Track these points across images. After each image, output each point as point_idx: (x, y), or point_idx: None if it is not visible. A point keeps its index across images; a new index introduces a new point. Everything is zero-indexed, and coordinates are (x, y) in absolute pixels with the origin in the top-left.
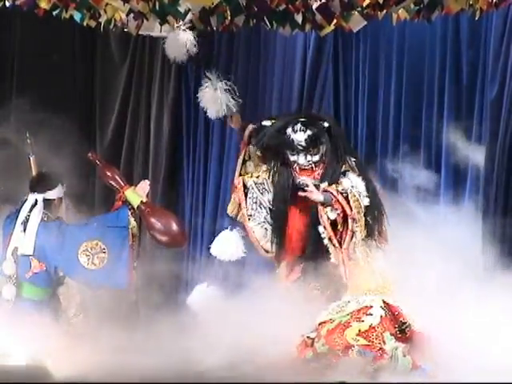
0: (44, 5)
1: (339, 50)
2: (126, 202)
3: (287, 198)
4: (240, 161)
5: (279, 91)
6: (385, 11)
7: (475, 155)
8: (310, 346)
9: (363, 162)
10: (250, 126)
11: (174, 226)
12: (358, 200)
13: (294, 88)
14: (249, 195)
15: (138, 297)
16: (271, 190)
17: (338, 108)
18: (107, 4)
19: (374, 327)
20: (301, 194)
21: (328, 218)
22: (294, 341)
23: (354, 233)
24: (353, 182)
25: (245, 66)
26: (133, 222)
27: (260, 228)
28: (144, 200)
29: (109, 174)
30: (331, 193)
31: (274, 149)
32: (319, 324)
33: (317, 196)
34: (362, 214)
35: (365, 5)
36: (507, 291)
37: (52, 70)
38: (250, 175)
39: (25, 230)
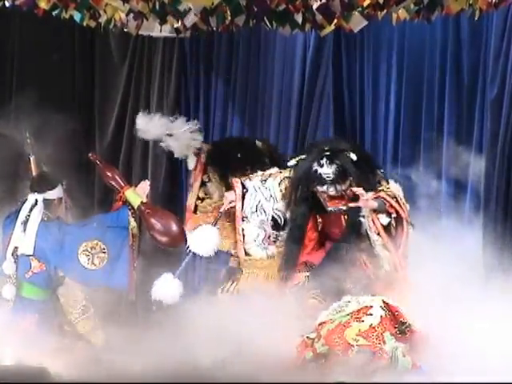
0: (44, 5)
1: (339, 50)
2: (126, 203)
3: (305, 226)
4: (197, 184)
5: (279, 91)
6: (385, 11)
7: (476, 156)
8: (309, 346)
9: None
10: (205, 147)
11: (174, 227)
12: (405, 204)
13: (293, 88)
14: (247, 196)
15: (137, 297)
16: (278, 200)
17: (338, 108)
18: (107, 4)
19: (374, 327)
20: (352, 204)
21: (382, 225)
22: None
23: (408, 234)
24: (394, 188)
25: (245, 66)
26: (133, 223)
27: (254, 231)
28: (144, 200)
29: (109, 174)
30: (383, 198)
31: (295, 183)
32: (319, 324)
33: (372, 203)
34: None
35: (365, 5)
36: (507, 293)
37: (52, 70)
38: (248, 178)
39: (25, 230)
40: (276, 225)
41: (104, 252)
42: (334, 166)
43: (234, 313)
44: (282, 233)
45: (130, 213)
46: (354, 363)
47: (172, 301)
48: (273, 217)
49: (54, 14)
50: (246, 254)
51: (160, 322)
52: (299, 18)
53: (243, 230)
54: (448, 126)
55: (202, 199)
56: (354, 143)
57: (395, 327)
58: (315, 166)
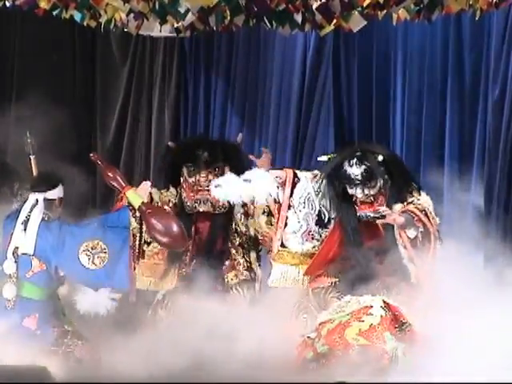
0: (44, 5)
1: (339, 50)
2: (127, 203)
3: (356, 229)
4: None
5: (279, 91)
6: (385, 11)
7: (478, 156)
8: (310, 346)
9: None
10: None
11: (175, 228)
12: (434, 218)
13: (293, 88)
14: (299, 186)
15: (137, 298)
16: (327, 197)
17: (338, 108)
18: (107, 4)
19: (374, 327)
20: (381, 221)
21: (408, 238)
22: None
23: (435, 250)
24: (425, 201)
25: (245, 66)
26: (133, 223)
27: (297, 222)
28: (145, 201)
29: (110, 174)
30: (412, 211)
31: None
32: (319, 324)
33: (399, 219)
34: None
35: (365, 5)
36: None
37: (52, 70)
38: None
39: (25, 230)
40: (320, 221)
41: (105, 252)
42: (363, 167)
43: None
44: (322, 230)
45: (130, 213)
46: (354, 363)
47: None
48: (319, 212)
49: (54, 13)
50: (282, 245)
51: (160, 321)
52: (299, 18)
53: (287, 218)
54: (450, 127)
55: (149, 243)
56: (392, 152)
57: (395, 327)
58: (345, 166)
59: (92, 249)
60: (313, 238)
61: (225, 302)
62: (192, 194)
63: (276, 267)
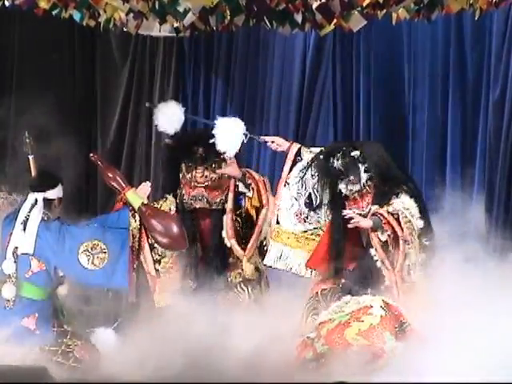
0: (43, 4)
1: (339, 50)
2: (127, 204)
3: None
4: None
5: (279, 91)
6: (385, 11)
7: (481, 155)
8: (310, 346)
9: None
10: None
11: (175, 228)
12: (410, 221)
13: (293, 88)
14: (298, 165)
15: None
16: (324, 183)
17: (338, 108)
18: (107, 3)
19: (373, 327)
20: (350, 226)
21: (379, 240)
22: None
23: (406, 255)
24: (405, 204)
25: (244, 66)
26: (133, 224)
27: (289, 199)
28: (145, 202)
29: (110, 175)
30: (381, 214)
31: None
32: (319, 324)
33: (365, 223)
34: (416, 236)
35: (365, 4)
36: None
37: (52, 70)
38: (309, 150)
39: (25, 230)
40: (310, 204)
41: (104, 252)
42: (341, 162)
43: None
44: (314, 214)
45: (130, 214)
46: (353, 363)
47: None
48: (310, 194)
49: (53, 13)
50: (277, 221)
51: (160, 321)
52: (299, 18)
53: (281, 194)
54: (452, 126)
55: (159, 261)
56: (379, 153)
57: (395, 327)
58: (331, 160)
59: (92, 249)
60: (305, 221)
61: (228, 302)
62: (189, 191)
63: (273, 246)
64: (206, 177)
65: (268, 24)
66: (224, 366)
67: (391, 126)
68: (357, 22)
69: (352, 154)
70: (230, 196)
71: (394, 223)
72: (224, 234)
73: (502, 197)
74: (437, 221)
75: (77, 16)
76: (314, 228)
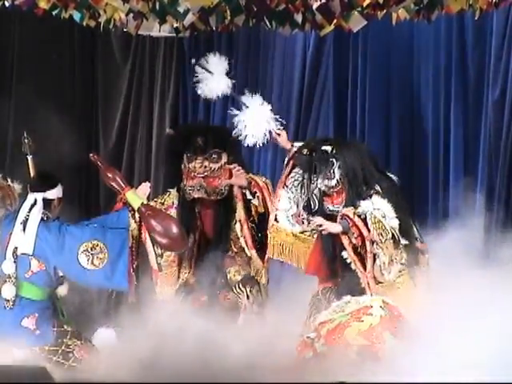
0: (43, 4)
1: (339, 50)
2: (127, 204)
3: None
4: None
5: (279, 91)
6: (385, 11)
7: (484, 154)
8: (309, 346)
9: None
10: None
11: (175, 229)
12: (380, 221)
13: (293, 88)
14: (297, 168)
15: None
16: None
17: (338, 107)
18: (107, 4)
19: (373, 327)
20: (323, 233)
21: (350, 242)
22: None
23: (375, 255)
24: (375, 204)
25: (245, 66)
26: (133, 224)
27: (287, 202)
28: (145, 202)
29: (110, 175)
30: (347, 216)
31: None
32: (319, 324)
33: (335, 229)
34: (389, 236)
35: (365, 4)
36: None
37: (52, 71)
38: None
39: (24, 230)
40: (308, 207)
41: (104, 253)
42: (314, 156)
43: None
44: (310, 217)
45: (130, 214)
46: (354, 363)
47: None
48: (308, 199)
49: (53, 13)
50: (275, 219)
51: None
52: (299, 18)
53: (280, 196)
54: (455, 126)
55: (161, 255)
56: (358, 154)
57: (395, 327)
58: (310, 155)
59: (91, 249)
60: (303, 223)
61: (228, 302)
62: (190, 181)
63: (272, 239)
64: (206, 167)
65: (268, 24)
66: (223, 367)
67: (391, 126)
68: (357, 23)
69: (323, 148)
70: (240, 205)
71: (360, 224)
72: (243, 243)
73: (502, 196)
74: (437, 221)
75: (77, 16)
76: (312, 230)
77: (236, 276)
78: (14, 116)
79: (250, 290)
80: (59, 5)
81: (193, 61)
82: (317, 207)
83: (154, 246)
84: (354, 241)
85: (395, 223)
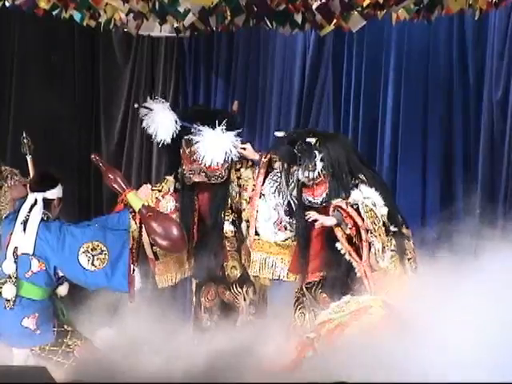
0: (43, 5)
1: (339, 50)
2: (128, 205)
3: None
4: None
5: (279, 91)
6: (384, 11)
7: (484, 155)
8: (309, 346)
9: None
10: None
11: (175, 231)
12: (372, 210)
13: (293, 88)
14: (271, 175)
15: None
16: (298, 186)
17: (338, 108)
18: (107, 4)
19: (373, 327)
20: (317, 226)
21: (344, 234)
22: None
23: (370, 243)
24: (364, 193)
25: (245, 66)
26: (133, 226)
27: (267, 211)
28: (145, 204)
29: (111, 176)
30: (340, 207)
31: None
32: (319, 324)
33: (329, 221)
34: (381, 224)
35: (365, 5)
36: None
37: (52, 70)
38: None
39: (25, 230)
40: (290, 211)
41: (104, 254)
42: (297, 148)
43: None
44: (294, 221)
45: (130, 216)
46: (354, 363)
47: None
48: (289, 202)
49: (54, 13)
50: (256, 233)
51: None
52: (299, 18)
53: (258, 206)
54: (455, 126)
55: None
56: (339, 143)
57: (395, 327)
58: (292, 146)
59: (92, 250)
60: (286, 228)
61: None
62: (189, 165)
63: (255, 255)
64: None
65: (268, 24)
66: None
67: (391, 126)
68: (356, 23)
69: (307, 139)
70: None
71: (354, 214)
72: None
73: (502, 196)
74: (438, 220)
75: (77, 16)
76: (295, 235)
77: (233, 271)
78: (14, 116)
79: (247, 291)
80: (59, 5)
81: (135, 105)
82: (297, 206)
83: (148, 236)
84: (347, 231)
85: (385, 211)
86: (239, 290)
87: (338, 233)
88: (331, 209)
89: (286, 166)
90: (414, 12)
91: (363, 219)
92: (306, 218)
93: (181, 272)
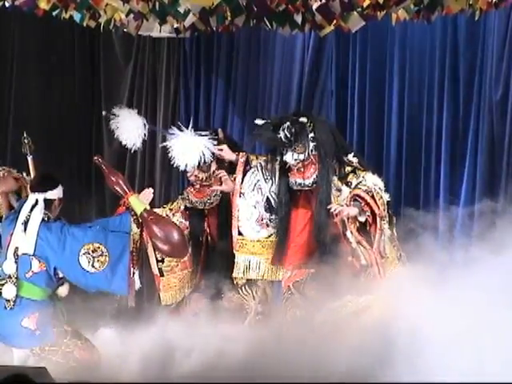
0: (43, 5)
1: (339, 50)
2: (129, 208)
3: (288, 201)
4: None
5: (279, 91)
6: (384, 11)
7: (482, 155)
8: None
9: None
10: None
11: (176, 236)
12: (382, 197)
13: (293, 88)
14: (249, 173)
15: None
16: (276, 181)
17: (338, 108)
18: (107, 4)
19: (373, 327)
20: (336, 220)
21: (353, 222)
22: None
23: (382, 231)
24: (372, 180)
25: (245, 66)
26: (134, 229)
27: (247, 209)
28: (147, 207)
29: (113, 179)
30: (359, 196)
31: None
32: (319, 324)
33: (353, 211)
34: (387, 210)
35: (365, 5)
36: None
37: (52, 71)
38: (255, 157)
39: (25, 230)
40: (270, 207)
41: (105, 256)
42: (287, 129)
43: None
44: (273, 217)
45: (132, 219)
46: (354, 362)
47: None
48: (267, 198)
49: (54, 14)
50: (239, 233)
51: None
52: (299, 19)
53: (238, 205)
54: (451, 129)
55: (162, 260)
56: (325, 121)
57: (395, 326)
58: (277, 131)
59: (93, 252)
60: (267, 225)
61: (233, 305)
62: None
63: (239, 258)
64: (196, 176)
65: (268, 25)
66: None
67: (391, 126)
68: (355, 23)
69: (300, 119)
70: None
71: (372, 202)
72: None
73: (503, 196)
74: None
75: (77, 17)
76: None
77: (241, 280)
78: (14, 116)
79: (256, 291)
80: (59, 5)
81: (104, 113)
82: (276, 204)
83: (154, 251)
84: (362, 219)
85: (387, 197)
86: (248, 291)
87: (351, 221)
88: (349, 197)
89: (269, 155)
90: (414, 12)
91: (379, 207)
92: (331, 210)
93: (185, 290)
